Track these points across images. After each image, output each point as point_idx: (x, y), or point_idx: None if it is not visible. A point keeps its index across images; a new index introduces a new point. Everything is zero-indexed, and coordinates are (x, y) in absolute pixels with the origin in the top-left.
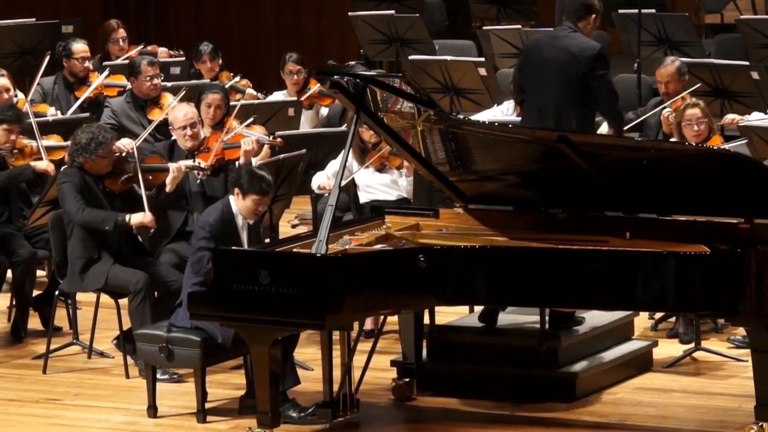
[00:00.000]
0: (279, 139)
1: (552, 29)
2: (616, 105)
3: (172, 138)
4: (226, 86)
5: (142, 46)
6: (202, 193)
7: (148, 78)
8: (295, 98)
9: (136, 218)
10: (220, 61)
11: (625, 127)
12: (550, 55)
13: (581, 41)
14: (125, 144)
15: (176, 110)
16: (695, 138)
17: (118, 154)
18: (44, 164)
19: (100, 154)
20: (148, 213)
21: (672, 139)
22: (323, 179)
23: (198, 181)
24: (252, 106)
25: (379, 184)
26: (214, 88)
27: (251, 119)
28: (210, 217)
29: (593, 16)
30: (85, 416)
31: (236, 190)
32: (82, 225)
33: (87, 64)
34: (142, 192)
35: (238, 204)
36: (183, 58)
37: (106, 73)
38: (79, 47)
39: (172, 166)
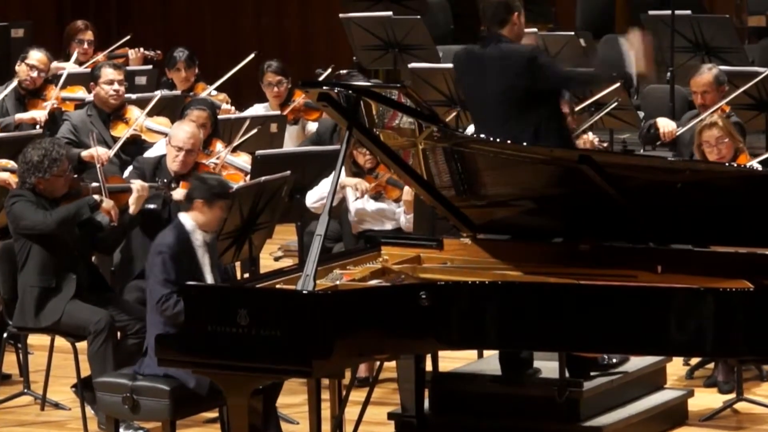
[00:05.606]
0: None
1: (477, 45)
2: (570, 72)
3: (162, 153)
4: None
5: (109, 50)
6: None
7: (108, 82)
8: (278, 112)
9: (107, 203)
10: (197, 71)
11: (657, 143)
12: (482, 73)
13: (510, 49)
14: (100, 154)
15: (181, 126)
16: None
17: (93, 162)
18: None
19: (54, 173)
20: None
21: None
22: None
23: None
24: (228, 122)
25: (373, 212)
26: (200, 103)
27: (238, 141)
28: (166, 239)
29: (515, 14)
30: None
31: (198, 202)
32: (59, 227)
33: (35, 75)
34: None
35: (202, 217)
36: (150, 66)
37: (63, 77)
38: (37, 56)
39: (135, 184)
